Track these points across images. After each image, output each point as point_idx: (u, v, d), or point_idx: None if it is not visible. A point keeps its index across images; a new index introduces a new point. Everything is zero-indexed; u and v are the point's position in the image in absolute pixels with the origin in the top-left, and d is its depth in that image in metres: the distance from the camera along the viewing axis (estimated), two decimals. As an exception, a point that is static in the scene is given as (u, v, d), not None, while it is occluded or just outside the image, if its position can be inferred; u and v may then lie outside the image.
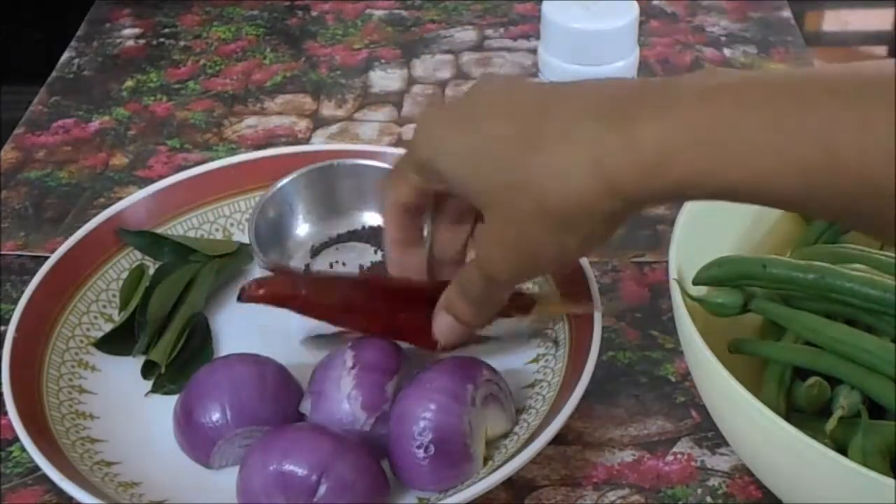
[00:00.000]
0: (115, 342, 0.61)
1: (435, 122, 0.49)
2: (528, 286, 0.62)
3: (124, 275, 0.64)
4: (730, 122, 0.40)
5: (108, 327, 0.62)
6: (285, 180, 0.67)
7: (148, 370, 0.60)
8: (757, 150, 0.39)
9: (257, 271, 0.65)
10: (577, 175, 0.42)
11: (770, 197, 0.40)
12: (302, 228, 0.68)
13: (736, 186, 0.40)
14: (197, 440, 0.54)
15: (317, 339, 0.61)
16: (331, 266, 0.66)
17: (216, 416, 0.54)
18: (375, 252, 0.67)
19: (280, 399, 0.55)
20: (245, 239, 0.65)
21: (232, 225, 0.68)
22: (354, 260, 0.67)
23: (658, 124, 0.41)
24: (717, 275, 0.54)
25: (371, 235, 0.68)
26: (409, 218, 0.54)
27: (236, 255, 0.66)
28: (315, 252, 0.67)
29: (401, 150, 0.71)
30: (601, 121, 0.43)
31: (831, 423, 0.50)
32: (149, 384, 0.59)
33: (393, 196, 0.53)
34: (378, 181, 0.54)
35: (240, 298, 0.56)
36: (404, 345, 0.57)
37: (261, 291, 0.55)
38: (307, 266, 0.66)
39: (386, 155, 0.69)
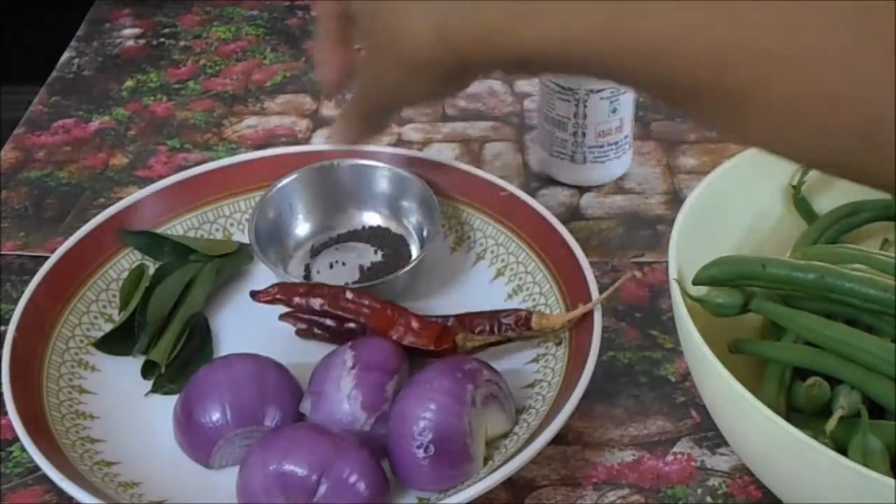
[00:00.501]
0: (115, 342, 0.61)
1: None
2: (530, 305, 0.63)
3: (124, 275, 0.64)
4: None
5: (108, 327, 0.62)
6: (285, 180, 0.67)
7: (148, 370, 0.60)
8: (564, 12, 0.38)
9: (257, 271, 0.65)
10: (416, 26, 0.42)
11: (605, 68, 0.39)
12: (302, 228, 0.68)
13: (569, 53, 0.39)
14: (197, 440, 0.54)
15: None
16: (331, 266, 0.66)
17: (216, 416, 0.54)
18: (376, 252, 0.67)
19: (280, 399, 0.55)
20: (245, 239, 0.65)
21: (232, 225, 0.68)
22: (354, 260, 0.67)
23: None
24: (717, 275, 0.54)
25: (371, 235, 0.68)
26: (338, 18, 0.53)
27: (236, 255, 0.66)
28: (315, 252, 0.67)
29: (401, 151, 0.71)
30: None
31: (831, 423, 0.50)
32: (149, 384, 0.59)
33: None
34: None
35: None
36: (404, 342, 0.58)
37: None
38: (307, 267, 0.66)
39: (385, 155, 0.70)
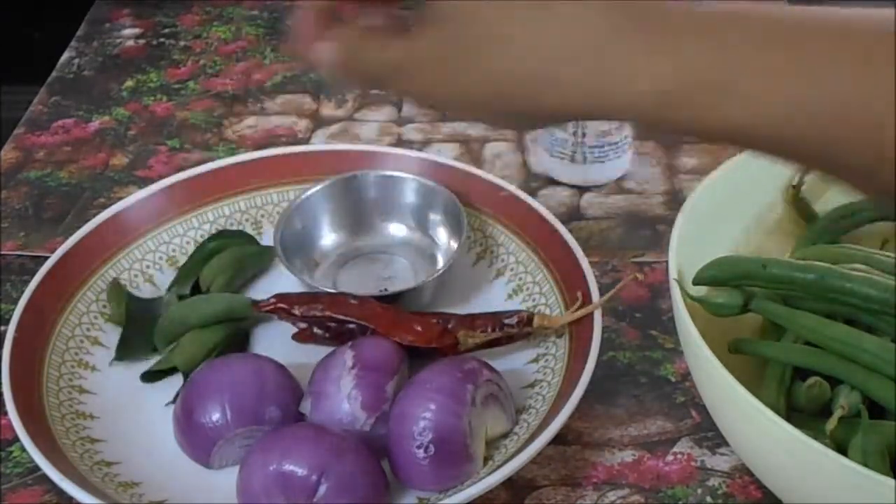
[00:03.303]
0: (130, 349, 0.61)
1: None
2: (530, 305, 0.63)
3: (124, 275, 0.64)
4: (733, 62, 0.37)
5: (108, 327, 0.62)
6: (311, 191, 0.67)
7: (147, 376, 0.60)
8: (763, 93, 0.37)
9: (278, 273, 0.65)
10: (555, 54, 0.40)
11: (781, 145, 0.38)
12: (328, 239, 0.68)
13: (744, 131, 0.38)
14: (197, 440, 0.54)
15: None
16: (357, 277, 0.66)
17: (216, 416, 0.54)
18: (402, 262, 0.67)
19: (280, 399, 0.55)
20: (270, 241, 0.66)
21: (231, 225, 0.68)
22: (381, 270, 0.67)
23: (666, 53, 0.38)
24: (717, 275, 0.54)
25: (397, 246, 0.68)
26: None
27: (259, 256, 0.67)
28: (342, 262, 0.67)
29: (401, 151, 0.71)
30: (609, 16, 0.39)
31: (831, 423, 0.50)
32: (149, 386, 0.59)
33: None
34: None
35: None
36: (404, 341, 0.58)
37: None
38: (334, 277, 0.66)
39: (390, 156, 0.70)
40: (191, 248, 0.67)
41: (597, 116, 0.43)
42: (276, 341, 0.61)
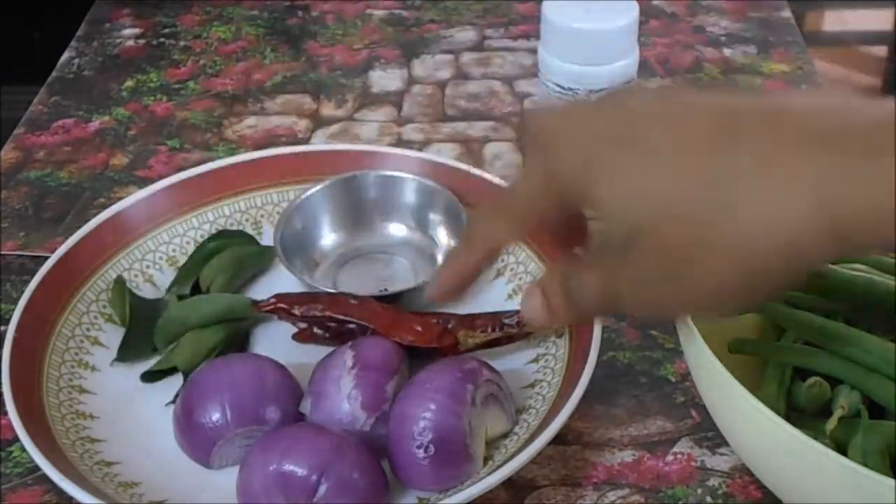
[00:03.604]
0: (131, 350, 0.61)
1: (582, 140, 0.42)
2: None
3: (124, 275, 0.64)
4: None
5: (108, 327, 0.62)
6: (311, 191, 0.67)
7: (147, 376, 0.60)
8: None
9: (278, 273, 0.65)
10: (792, 212, 0.35)
11: None
12: (328, 239, 0.68)
13: None
14: (197, 440, 0.54)
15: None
16: (357, 277, 0.66)
17: (216, 416, 0.54)
18: (402, 262, 0.67)
19: (280, 399, 0.55)
20: (266, 241, 0.66)
21: (231, 225, 0.68)
22: (381, 270, 0.67)
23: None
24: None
25: (397, 246, 0.68)
26: (494, 257, 0.49)
27: (259, 256, 0.66)
28: (342, 262, 0.67)
29: (401, 151, 0.71)
30: (828, 152, 0.35)
31: (831, 423, 0.50)
32: (149, 386, 0.59)
33: (494, 233, 0.47)
34: (478, 213, 0.48)
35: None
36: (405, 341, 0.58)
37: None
38: (334, 277, 0.66)
39: (390, 156, 0.69)
40: (191, 248, 0.67)
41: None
42: (276, 341, 0.61)
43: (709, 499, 0.55)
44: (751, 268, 0.38)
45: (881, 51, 1.05)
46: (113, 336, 0.62)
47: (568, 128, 0.43)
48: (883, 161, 0.34)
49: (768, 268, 0.38)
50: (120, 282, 0.63)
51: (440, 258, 0.66)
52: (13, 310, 0.59)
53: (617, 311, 0.45)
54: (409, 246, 0.68)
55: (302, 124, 0.83)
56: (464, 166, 0.69)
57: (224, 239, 0.67)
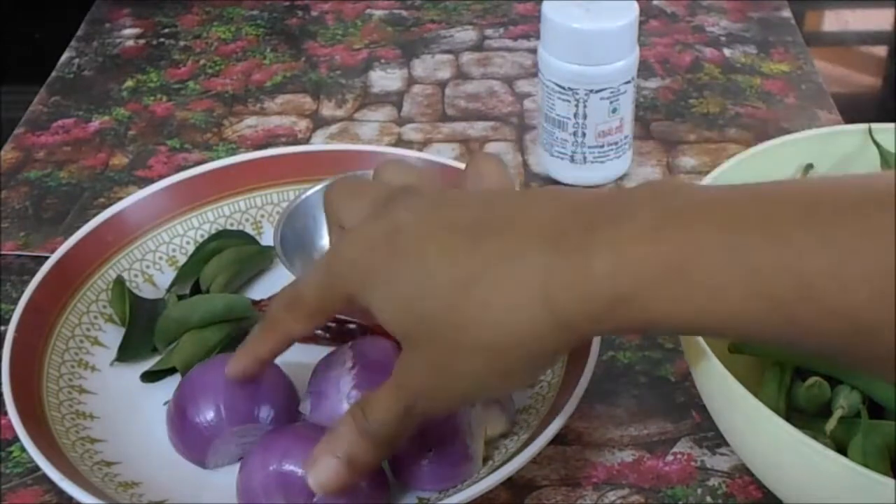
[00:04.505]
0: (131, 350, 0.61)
1: (356, 248, 0.44)
2: None
3: (124, 275, 0.64)
4: (692, 256, 0.36)
5: (108, 327, 0.62)
6: (311, 191, 0.67)
7: (147, 376, 0.60)
8: (724, 286, 0.35)
9: (278, 273, 0.65)
10: (522, 311, 0.39)
11: (748, 335, 0.38)
12: (327, 239, 0.67)
13: (704, 324, 0.37)
14: (192, 440, 0.54)
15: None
16: None
17: (210, 415, 0.53)
18: None
19: (274, 396, 0.55)
20: (266, 241, 0.66)
21: (232, 225, 0.68)
22: None
23: (612, 258, 0.37)
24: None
25: None
26: (288, 346, 0.51)
27: (258, 257, 0.66)
28: None
29: (400, 151, 0.71)
30: (548, 250, 0.39)
31: (831, 423, 0.50)
32: (149, 386, 0.59)
33: (289, 326, 0.49)
34: (275, 301, 0.51)
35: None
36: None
37: None
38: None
39: (388, 156, 0.69)
40: (191, 248, 0.67)
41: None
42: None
43: (709, 499, 0.55)
44: (503, 364, 0.42)
45: (881, 51, 1.05)
46: (113, 336, 0.62)
47: (348, 239, 0.45)
48: (589, 259, 0.38)
49: (518, 361, 0.42)
50: (120, 282, 0.63)
51: None
52: (13, 310, 0.59)
53: (415, 421, 0.47)
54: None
55: (302, 124, 0.83)
56: (464, 166, 0.69)
57: (224, 239, 0.67)
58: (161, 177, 0.71)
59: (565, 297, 0.38)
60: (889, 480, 0.42)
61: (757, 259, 0.35)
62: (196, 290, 0.64)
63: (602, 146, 0.73)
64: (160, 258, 0.66)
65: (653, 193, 0.39)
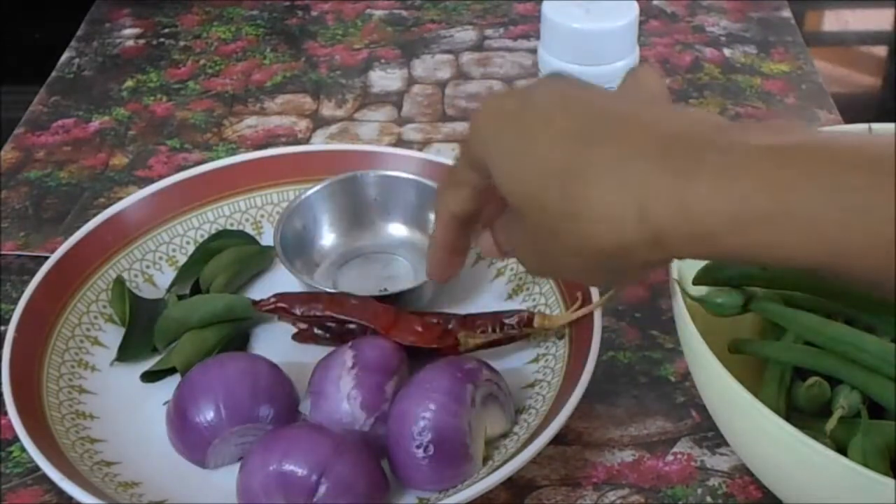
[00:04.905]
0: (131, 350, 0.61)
1: (490, 115, 0.46)
2: (529, 305, 0.63)
3: (124, 275, 0.64)
4: (801, 195, 0.36)
5: (108, 327, 0.62)
6: (311, 191, 0.67)
7: (147, 376, 0.60)
8: (837, 227, 0.35)
9: (278, 273, 0.65)
10: (621, 220, 0.40)
11: (853, 276, 0.37)
12: (327, 239, 0.68)
13: (798, 261, 0.37)
14: (192, 440, 0.54)
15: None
16: (357, 277, 0.66)
17: (210, 415, 0.53)
18: (402, 262, 0.67)
19: (274, 396, 0.55)
20: (266, 241, 0.66)
21: (232, 225, 0.68)
22: (380, 270, 0.66)
23: (714, 190, 0.38)
24: (717, 275, 0.54)
25: (397, 246, 0.68)
26: (460, 226, 0.53)
27: (259, 256, 0.66)
28: (341, 262, 0.67)
29: (401, 151, 0.71)
30: (654, 164, 0.39)
31: (831, 423, 0.50)
32: (149, 386, 0.59)
33: (448, 204, 0.52)
34: (438, 184, 0.54)
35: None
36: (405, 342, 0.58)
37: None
38: (334, 277, 0.66)
39: (390, 156, 0.70)
40: (191, 248, 0.67)
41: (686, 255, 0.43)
42: (276, 341, 0.61)
43: (709, 499, 0.55)
44: (594, 262, 0.43)
45: (881, 51, 1.05)
46: (113, 336, 0.62)
47: (485, 106, 0.48)
48: (690, 185, 0.38)
49: (608, 263, 0.43)
50: (120, 282, 0.63)
51: None
52: (13, 310, 0.59)
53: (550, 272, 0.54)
54: (409, 246, 0.68)
55: (302, 124, 0.83)
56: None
57: (224, 239, 0.67)
58: (161, 177, 0.71)
59: (661, 211, 0.39)
60: (889, 480, 0.42)
61: (859, 199, 0.35)
62: (196, 290, 0.64)
63: (602, 146, 0.73)
64: (160, 258, 0.66)
65: (761, 133, 0.39)
